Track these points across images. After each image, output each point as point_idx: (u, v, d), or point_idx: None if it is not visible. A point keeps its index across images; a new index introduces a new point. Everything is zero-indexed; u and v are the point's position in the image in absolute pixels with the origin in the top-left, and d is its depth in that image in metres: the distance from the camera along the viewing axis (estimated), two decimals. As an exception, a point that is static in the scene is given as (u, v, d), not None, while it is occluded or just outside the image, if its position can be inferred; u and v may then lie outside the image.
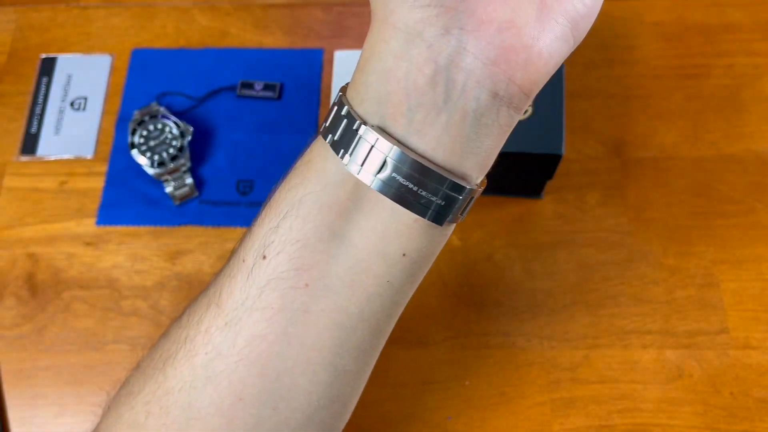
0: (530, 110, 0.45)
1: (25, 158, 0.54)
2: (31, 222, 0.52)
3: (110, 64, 0.58)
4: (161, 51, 0.58)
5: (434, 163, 0.25)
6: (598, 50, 0.56)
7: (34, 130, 0.55)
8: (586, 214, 0.50)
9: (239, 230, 0.51)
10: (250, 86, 0.56)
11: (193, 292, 0.49)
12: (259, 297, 0.27)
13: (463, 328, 0.47)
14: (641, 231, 0.50)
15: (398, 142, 0.24)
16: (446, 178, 0.25)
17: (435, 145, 0.24)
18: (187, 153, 0.52)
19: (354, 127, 0.25)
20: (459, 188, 0.25)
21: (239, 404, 0.28)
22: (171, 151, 0.51)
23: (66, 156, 0.54)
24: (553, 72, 0.25)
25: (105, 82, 0.57)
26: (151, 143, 0.51)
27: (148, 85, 0.56)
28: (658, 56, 0.56)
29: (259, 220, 0.28)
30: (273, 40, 0.58)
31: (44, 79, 0.57)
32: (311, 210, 0.26)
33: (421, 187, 0.25)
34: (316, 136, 0.28)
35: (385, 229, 0.26)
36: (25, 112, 0.56)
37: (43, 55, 0.58)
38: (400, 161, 0.24)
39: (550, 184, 0.50)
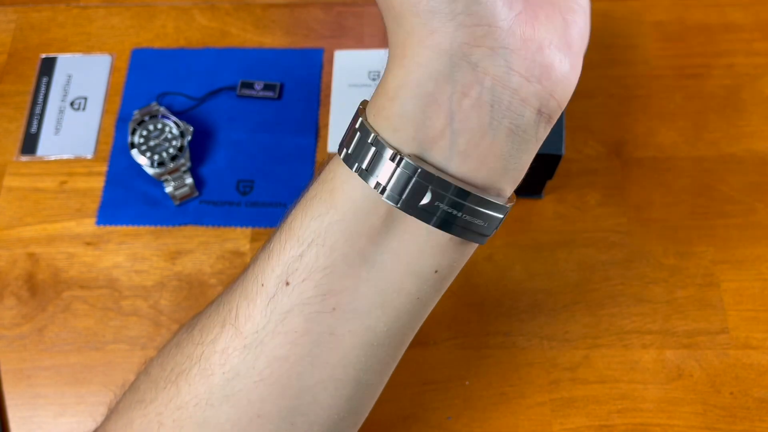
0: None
1: (25, 158, 0.54)
2: (31, 222, 0.52)
3: (110, 64, 0.58)
4: (161, 51, 0.58)
5: (476, 186, 0.24)
6: (598, 50, 0.56)
7: (34, 130, 0.55)
8: (586, 214, 0.50)
9: (239, 230, 0.51)
10: (250, 86, 0.56)
11: (193, 292, 0.49)
12: (282, 322, 0.27)
13: (463, 328, 0.47)
14: (641, 231, 0.50)
15: (439, 170, 0.24)
16: (488, 200, 0.25)
17: (478, 165, 0.24)
18: (187, 153, 0.52)
19: (389, 157, 0.24)
20: (499, 208, 0.25)
21: (257, 420, 0.28)
22: (171, 151, 0.51)
23: (66, 156, 0.54)
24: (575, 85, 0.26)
25: (105, 82, 0.57)
26: (151, 143, 0.51)
27: (148, 85, 0.56)
28: (658, 56, 0.56)
29: (279, 244, 0.27)
30: (273, 40, 0.58)
31: (44, 79, 0.57)
32: (339, 238, 0.26)
33: (462, 212, 0.24)
34: (329, 160, 0.27)
35: (419, 249, 0.26)
36: (25, 112, 0.56)
37: (43, 55, 0.58)
38: (443, 189, 0.24)
39: (550, 184, 0.50)
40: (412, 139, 0.24)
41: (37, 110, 0.56)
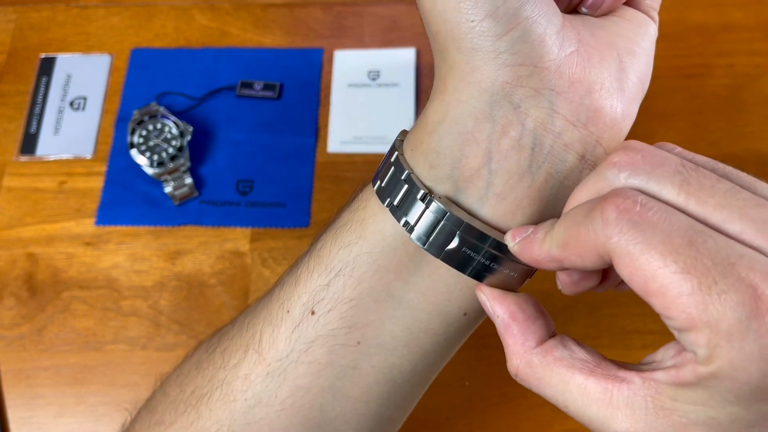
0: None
1: (24, 158, 0.54)
2: (30, 222, 0.52)
3: (110, 64, 0.58)
4: (161, 51, 0.58)
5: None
6: (598, 50, 0.56)
7: (33, 130, 0.55)
8: (586, 214, 0.50)
9: (239, 230, 0.51)
10: (250, 86, 0.56)
11: (193, 292, 0.49)
12: (305, 351, 0.26)
13: (463, 328, 0.47)
14: (641, 231, 0.50)
15: (470, 214, 0.23)
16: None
17: (513, 209, 0.23)
18: (186, 153, 0.51)
19: (418, 197, 0.23)
20: None
21: None
22: (170, 151, 0.51)
23: (65, 156, 0.54)
24: (628, 132, 0.24)
25: (104, 82, 0.57)
26: (151, 143, 0.51)
27: (148, 84, 0.56)
28: (658, 56, 0.55)
29: (306, 270, 0.27)
30: (273, 39, 0.58)
31: (44, 79, 0.57)
32: (367, 271, 0.25)
33: (492, 261, 0.23)
34: (362, 187, 0.27)
35: (447, 291, 0.25)
36: (25, 112, 0.56)
37: (43, 55, 0.58)
38: (472, 236, 0.23)
39: (550, 184, 0.50)
40: (447, 177, 0.23)
41: (37, 110, 0.56)
